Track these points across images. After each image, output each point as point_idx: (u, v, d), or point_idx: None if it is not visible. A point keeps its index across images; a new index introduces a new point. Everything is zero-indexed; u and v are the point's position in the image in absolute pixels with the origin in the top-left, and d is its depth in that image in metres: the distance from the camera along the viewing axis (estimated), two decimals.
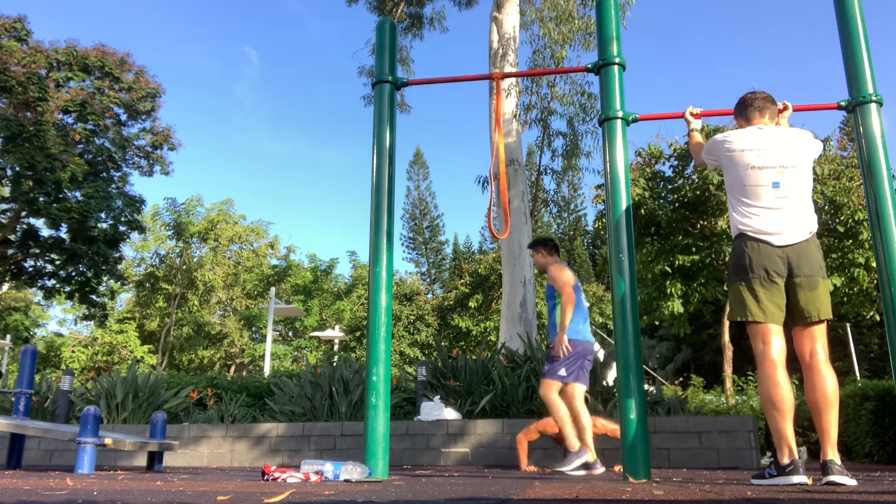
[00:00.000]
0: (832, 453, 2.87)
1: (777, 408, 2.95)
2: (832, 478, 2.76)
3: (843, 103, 3.93)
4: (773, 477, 2.94)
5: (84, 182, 15.78)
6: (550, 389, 4.74)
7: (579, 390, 4.81)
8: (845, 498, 2.09)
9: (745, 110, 3.45)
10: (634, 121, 4.09)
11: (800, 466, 2.87)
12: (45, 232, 16.41)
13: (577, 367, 4.75)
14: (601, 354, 7.82)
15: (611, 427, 5.45)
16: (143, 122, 17.87)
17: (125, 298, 30.93)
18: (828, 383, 2.97)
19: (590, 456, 4.67)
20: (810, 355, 3.06)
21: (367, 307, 4.13)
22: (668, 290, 11.46)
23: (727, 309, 9.58)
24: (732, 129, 3.47)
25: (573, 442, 4.66)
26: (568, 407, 4.77)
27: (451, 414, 7.03)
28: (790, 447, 2.91)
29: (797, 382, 6.22)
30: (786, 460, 2.90)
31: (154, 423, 5.78)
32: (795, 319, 3.09)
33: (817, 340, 3.07)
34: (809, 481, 2.86)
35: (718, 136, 3.43)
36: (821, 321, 3.07)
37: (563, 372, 4.70)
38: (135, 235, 21.90)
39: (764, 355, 3.04)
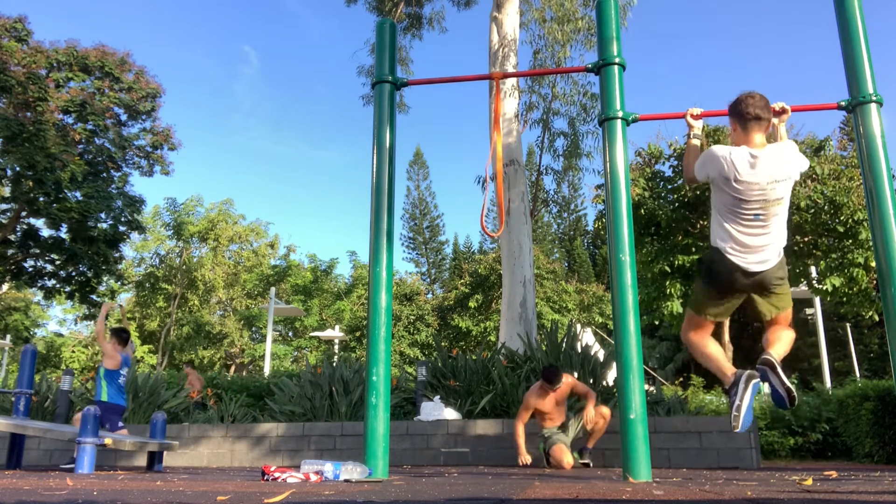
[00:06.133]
0: (773, 351, 3.33)
1: (710, 359, 3.50)
2: (765, 356, 3.26)
3: (843, 103, 3.92)
4: (734, 392, 3.24)
5: (84, 182, 15.78)
6: None
7: None
8: (845, 498, 2.09)
9: (743, 120, 3.42)
10: (634, 121, 4.09)
11: (741, 374, 3.25)
12: (45, 232, 16.42)
13: None
14: (601, 354, 7.82)
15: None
16: (143, 122, 17.87)
17: (125, 298, 30.92)
18: (783, 330, 3.44)
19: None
20: (772, 321, 3.50)
21: (367, 307, 4.13)
22: (668, 290, 11.45)
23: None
24: (726, 136, 3.49)
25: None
26: None
27: (451, 414, 7.03)
28: (729, 370, 3.36)
29: (796, 382, 6.25)
30: (730, 378, 3.30)
31: (154, 423, 5.79)
32: (756, 316, 3.48)
33: (780, 323, 3.48)
34: (757, 375, 3.24)
35: (714, 155, 3.41)
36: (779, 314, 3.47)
37: None
38: (135, 235, 21.90)
39: (689, 337, 3.61)
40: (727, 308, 3.53)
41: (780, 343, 3.40)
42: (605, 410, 5.89)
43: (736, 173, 3.30)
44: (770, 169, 3.29)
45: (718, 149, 3.44)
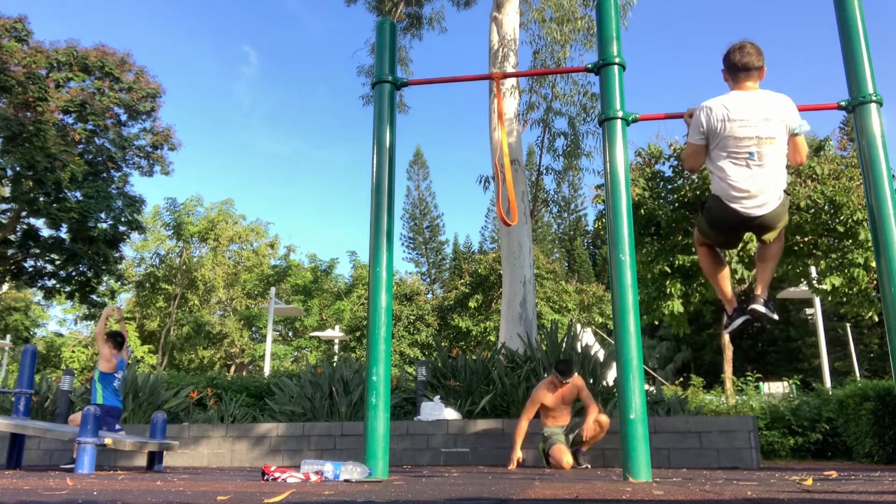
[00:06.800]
0: (761, 291, 3.66)
1: (713, 279, 3.81)
2: (754, 306, 3.57)
3: (843, 103, 3.92)
4: (730, 322, 3.71)
5: (84, 182, 15.78)
6: None
7: None
8: (845, 498, 2.09)
9: (734, 70, 3.47)
10: (634, 121, 4.08)
11: (740, 310, 3.67)
12: (46, 232, 16.42)
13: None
14: (601, 354, 7.82)
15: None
16: (143, 122, 17.87)
17: (125, 298, 30.93)
18: (773, 246, 3.66)
19: None
20: (765, 241, 3.70)
21: (367, 307, 4.13)
22: (668, 290, 11.45)
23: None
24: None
25: None
26: None
27: (451, 414, 7.03)
28: (731, 301, 3.73)
29: (796, 384, 6.33)
30: (730, 310, 3.71)
31: (154, 423, 5.79)
32: (758, 239, 3.72)
33: (773, 239, 3.67)
34: (749, 319, 3.64)
35: (704, 105, 3.49)
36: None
37: None
38: (135, 235, 21.90)
39: (698, 246, 3.88)
40: (729, 241, 3.78)
41: (771, 263, 3.70)
42: (604, 419, 5.90)
43: (726, 111, 3.36)
44: (760, 106, 3.34)
45: (707, 101, 3.51)
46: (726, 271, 3.82)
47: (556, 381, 5.93)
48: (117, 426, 6.46)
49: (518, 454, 6.01)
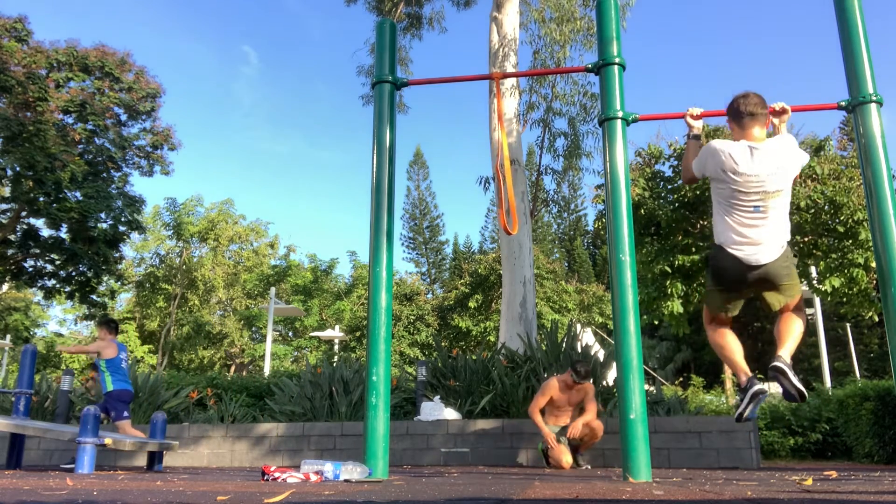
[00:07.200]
0: (783, 353, 3.34)
1: (726, 350, 3.58)
2: (775, 363, 3.27)
3: (843, 103, 3.92)
4: (742, 398, 3.38)
5: (84, 182, 15.76)
6: None
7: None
8: (845, 498, 2.09)
9: (738, 118, 3.48)
10: (634, 121, 4.08)
11: (756, 381, 3.36)
12: (45, 232, 16.40)
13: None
14: (601, 354, 7.82)
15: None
16: (143, 122, 17.84)
17: (125, 298, 30.92)
18: (793, 321, 3.44)
19: None
20: (782, 310, 3.53)
21: (367, 307, 4.13)
22: (668, 290, 11.44)
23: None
24: (727, 137, 3.53)
25: None
26: None
27: (451, 414, 7.03)
28: (744, 371, 3.44)
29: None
30: (744, 381, 3.40)
31: (154, 423, 5.78)
32: (766, 307, 3.52)
33: (789, 311, 3.50)
34: (766, 386, 3.36)
35: (714, 149, 3.45)
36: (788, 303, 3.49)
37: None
38: (135, 235, 21.89)
39: (709, 330, 3.68)
40: (737, 303, 3.58)
41: (790, 337, 3.41)
42: (596, 424, 5.86)
43: (734, 164, 3.35)
44: (769, 160, 3.33)
45: (717, 143, 3.47)
46: (740, 348, 3.60)
47: (570, 380, 5.91)
48: (125, 413, 6.57)
49: (550, 433, 5.96)
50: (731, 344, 3.58)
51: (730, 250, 3.38)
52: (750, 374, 3.43)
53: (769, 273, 3.36)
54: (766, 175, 3.31)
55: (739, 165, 3.33)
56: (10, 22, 15.52)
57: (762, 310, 3.77)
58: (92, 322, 18.68)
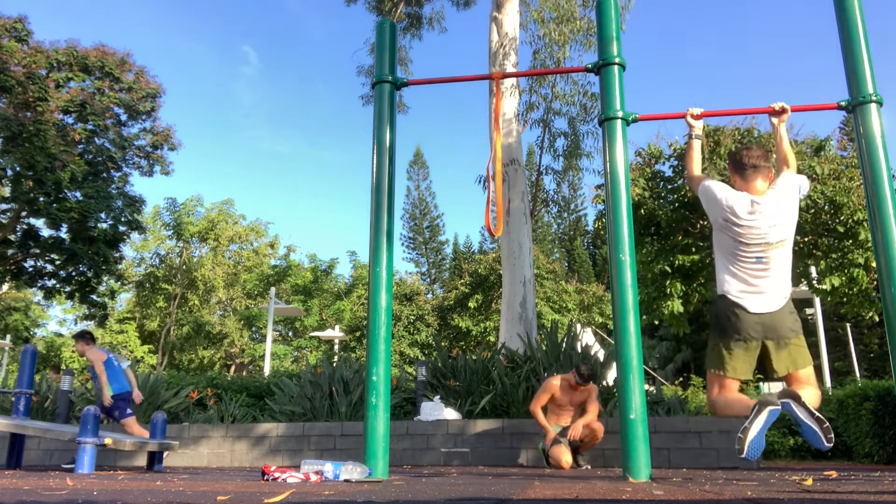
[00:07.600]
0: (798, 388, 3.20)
1: (735, 411, 3.30)
2: (788, 388, 3.12)
3: (843, 103, 3.92)
4: (752, 420, 3.01)
5: (84, 182, 15.77)
6: None
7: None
8: (845, 498, 2.08)
9: (741, 170, 3.49)
10: (634, 121, 4.08)
11: (761, 400, 3.06)
12: (45, 232, 16.40)
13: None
14: (601, 354, 7.82)
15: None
16: (143, 122, 17.85)
17: (125, 298, 30.93)
18: (805, 390, 3.25)
19: None
20: (791, 379, 3.40)
21: (367, 307, 4.13)
22: (668, 290, 11.44)
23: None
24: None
25: None
26: None
27: (451, 414, 7.03)
28: (748, 402, 3.19)
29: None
30: (752, 406, 3.08)
31: (154, 423, 5.78)
32: (772, 371, 3.39)
33: (801, 381, 3.35)
34: (776, 403, 3.01)
35: (715, 196, 3.47)
36: (796, 371, 3.35)
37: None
38: (135, 235, 21.90)
39: (713, 398, 3.45)
40: (745, 361, 3.37)
41: (808, 396, 3.15)
42: (596, 426, 5.87)
43: (735, 217, 3.36)
44: (771, 214, 3.34)
45: (718, 189, 3.48)
46: (744, 396, 3.38)
47: (573, 380, 5.92)
48: (129, 410, 6.79)
49: (548, 424, 5.99)
50: (738, 395, 3.37)
51: (733, 299, 3.36)
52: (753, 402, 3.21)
53: (775, 323, 3.30)
54: (768, 227, 3.33)
55: (741, 219, 3.35)
56: (10, 22, 15.52)
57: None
58: (92, 322, 18.66)
